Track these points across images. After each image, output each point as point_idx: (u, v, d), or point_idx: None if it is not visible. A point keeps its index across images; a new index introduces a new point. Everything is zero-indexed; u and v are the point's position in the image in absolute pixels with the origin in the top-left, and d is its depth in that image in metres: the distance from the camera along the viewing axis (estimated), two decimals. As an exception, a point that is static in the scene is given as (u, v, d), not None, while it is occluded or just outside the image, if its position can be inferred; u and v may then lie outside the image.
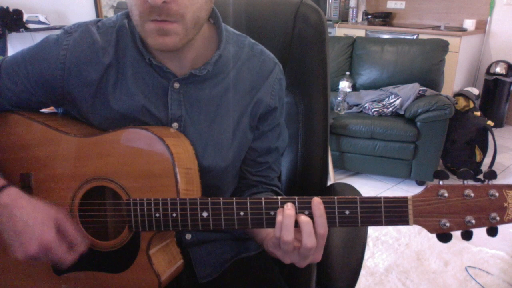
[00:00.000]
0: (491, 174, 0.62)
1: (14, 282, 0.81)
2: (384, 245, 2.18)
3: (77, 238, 0.72)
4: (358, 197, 0.65)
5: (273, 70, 0.85)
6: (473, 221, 0.62)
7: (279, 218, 0.65)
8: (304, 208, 0.65)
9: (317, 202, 0.65)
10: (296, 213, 0.65)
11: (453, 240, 0.63)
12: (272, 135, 0.88)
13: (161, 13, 0.65)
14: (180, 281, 0.84)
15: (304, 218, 0.64)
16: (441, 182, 0.64)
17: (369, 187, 2.80)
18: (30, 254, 0.67)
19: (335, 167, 2.91)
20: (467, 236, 0.63)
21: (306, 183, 1.08)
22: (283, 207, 0.66)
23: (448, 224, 0.63)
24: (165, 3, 0.63)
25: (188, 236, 0.86)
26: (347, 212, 0.65)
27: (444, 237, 0.64)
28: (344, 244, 0.88)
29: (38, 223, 0.68)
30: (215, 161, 0.81)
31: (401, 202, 0.64)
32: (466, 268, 1.98)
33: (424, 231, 2.22)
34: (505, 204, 0.61)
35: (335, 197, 0.65)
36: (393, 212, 0.64)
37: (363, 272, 1.95)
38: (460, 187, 0.62)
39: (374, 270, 1.98)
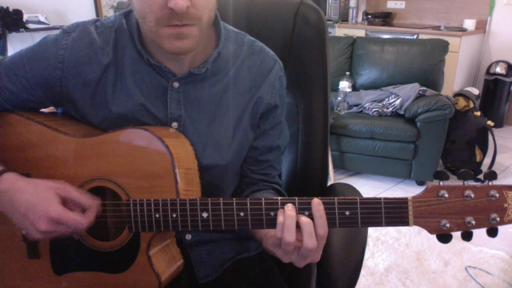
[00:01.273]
0: (491, 175, 0.62)
1: (14, 282, 0.81)
2: (384, 245, 2.18)
3: (86, 200, 0.71)
4: (358, 198, 0.65)
5: (273, 68, 0.85)
6: (473, 222, 0.62)
7: (280, 219, 0.65)
8: (304, 209, 0.65)
9: (316, 203, 0.64)
10: (297, 213, 0.65)
11: (453, 240, 0.63)
12: (274, 133, 0.88)
13: (182, 18, 0.65)
14: (180, 281, 0.84)
15: (304, 219, 0.64)
16: (441, 183, 0.63)
17: (369, 187, 2.79)
18: (43, 231, 0.67)
19: (335, 167, 2.91)
20: (467, 236, 0.63)
21: (306, 183, 1.08)
22: (283, 208, 0.65)
23: (448, 225, 0.63)
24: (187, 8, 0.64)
25: (188, 237, 0.85)
26: (347, 213, 0.65)
27: (444, 237, 0.64)
28: (344, 244, 0.87)
29: (41, 200, 0.68)
30: (215, 160, 0.81)
31: (401, 203, 0.64)
32: (466, 268, 1.98)
33: (424, 231, 2.21)
34: (505, 205, 0.61)
35: (335, 198, 0.65)
36: (393, 213, 0.64)
37: (363, 272, 1.95)
38: (460, 187, 0.62)
39: (374, 270, 1.98)
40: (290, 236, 0.64)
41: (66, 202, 0.70)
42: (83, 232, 0.75)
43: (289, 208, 0.65)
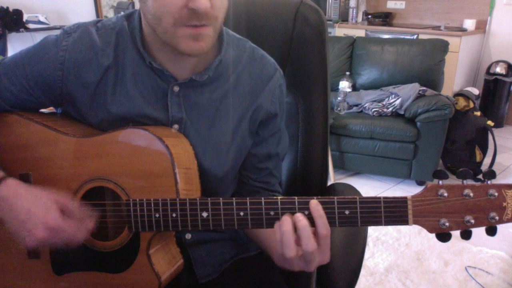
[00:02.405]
0: (490, 174, 0.62)
1: (14, 282, 0.81)
2: (384, 245, 2.18)
3: (83, 213, 0.71)
4: (357, 197, 0.65)
5: (274, 76, 0.85)
6: (472, 221, 0.62)
7: (277, 236, 0.65)
8: (304, 209, 0.65)
9: (314, 204, 0.65)
10: (293, 227, 0.65)
11: (453, 240, 0.64)
12: (273, 141, 0.88)
13: (201, 18, 0.65)
14: (180, 281, 0.84)
15: (301, 224, 0.64)
16: (440, 182, 0.64)
17: (369, 187, 2.79)
18: (39, 239, 0.67)
19: (335, 167, 2.91)
20: (466, 235, 0.64)
21: (306, 183, 1.08)
22: (280, 219, 0.66)
23: (447, 224, 0.63)
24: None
25: (188, 236, 0.86)
26: (346, 212, 0.65)
27: (444, 236, 0.64)
28: (344, 244, 0.87)
29: (40, 208, 0.68)
30: (214, 164, 0.81)
31: (400, 202, 0.64)
32: (466, 268, 1.98)
33: (424, 231, 2.21)
34: (504, 204, 0.61)
35: (335, 197, 0.65)
36: (393, 212, 0.64)
37: (363, 272, 1.95)
38: (459, 187, 0.62)
39: (374, 270, 1.98)
40: (290, 251, 0.64)
41: (65, 213, 0.70)
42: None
43: (284, 224, 0.64)
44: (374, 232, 2.28)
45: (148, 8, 0.67)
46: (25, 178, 0.78)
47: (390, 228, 2.30)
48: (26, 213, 0.68)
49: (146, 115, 0.78)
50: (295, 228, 0.65)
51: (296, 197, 0.66)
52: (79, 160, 0.76)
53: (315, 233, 0.65)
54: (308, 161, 1.07)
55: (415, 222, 0.64)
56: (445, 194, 0.63)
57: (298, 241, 0.65)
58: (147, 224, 0.70)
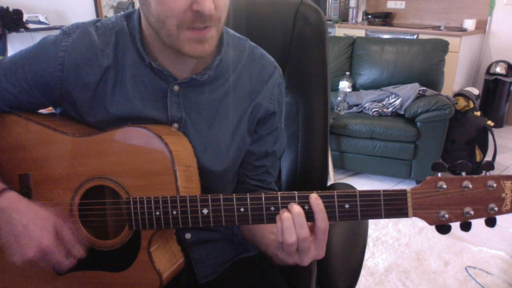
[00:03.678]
0: (489, 166, 0.63)
1: (14, 282, 0.81)
2: (384, 245, 2.18)
3: (75, 244, 0.72)
4: (357, 191, 0.65)
5: (273, 75, 0.85)
6: (472, 212, 0.62)
7: (278, 224, 0.66)
8: (304, 203, 0.66)
9: (314, 198, 0.65)
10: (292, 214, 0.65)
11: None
12: (270, 139, 0.88)
13: (205, 21, 0.65)
14: (179, 281, 0.84)
15: (295, 210, 0.65)
16: (439, 174, 0.64)
17: (369, 187, 2.79)
18: (28, 258, 0.67)
19: (335, 167, 2.91)
20: (465, 227, 0.64)
21: (306, 183, 1.08)
22: (284, 207, 0.66)
23: (447, 216, 0.63)
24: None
25: (188, 236, 0.85)
26: (346, 206, 0.65)
27: (443, 228, 0.64)
28: (344, 244, 0.88)
29: (37, 227, 0.68)
30: (213, 164, 0.81)
31: (400, 195, 0.64)
32: (466, 268, 1.98)
33: (424, 231, 2.24)
34: (503, 195, 0.62)
35: (335, 191, 0.66)
36: (392, 205, 0.64)
37: (363, 272, 1.95)
38: (458, 178, 0.63)
39: (374, 270, 1.98)
40: (291, 236, 0.64)
41: (58, 236, 0.70)
42: (84, 232, 0.75)
43: (284, 212, 0.65)
44: (374, 232, 2.28)
45: (151, 11, 0.67)
46: (24, 179, 0.78)
47: (390, 228, 2.30)
48: (22, 229, 0.68)
49: (145, 115, 0.78)
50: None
51: (296, 192, 0.66)
52: (79, 159, 0.76)
53: (314, 227, 0.65)
54: (308, 161, 1.07)
55: (414, 215, 0.64)
56: (444, 186, 0.63)
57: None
58: (148, 222, 0.70)
